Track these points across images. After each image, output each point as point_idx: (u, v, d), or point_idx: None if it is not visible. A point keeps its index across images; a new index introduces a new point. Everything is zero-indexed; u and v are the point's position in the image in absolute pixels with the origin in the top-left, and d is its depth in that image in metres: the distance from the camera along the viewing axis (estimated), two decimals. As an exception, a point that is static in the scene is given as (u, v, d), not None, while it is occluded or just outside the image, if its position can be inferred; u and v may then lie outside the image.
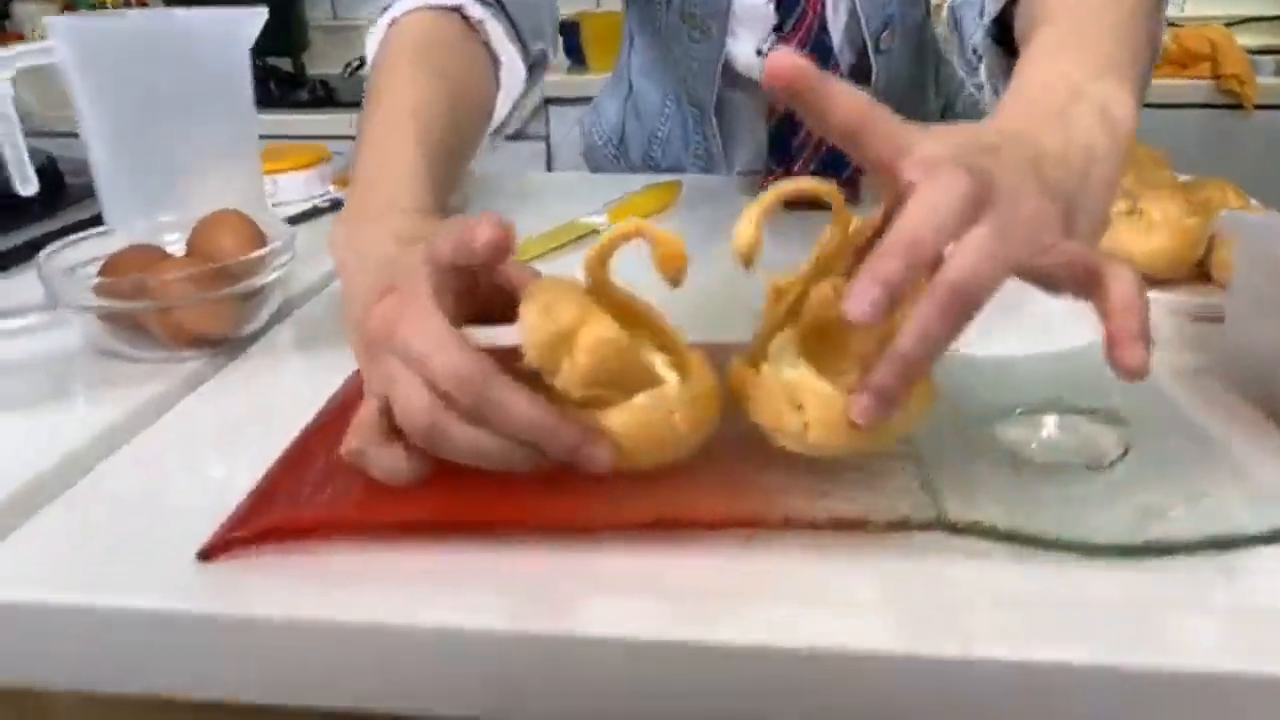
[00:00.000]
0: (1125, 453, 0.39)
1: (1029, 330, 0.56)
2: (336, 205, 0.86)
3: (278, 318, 0.59)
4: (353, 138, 1.54)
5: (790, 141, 0.79)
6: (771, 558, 0.35)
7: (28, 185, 0.63)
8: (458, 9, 0.62)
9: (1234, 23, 1.96)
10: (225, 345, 0.55)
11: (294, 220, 0.82)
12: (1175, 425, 0.41)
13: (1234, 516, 0.34)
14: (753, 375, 0.37)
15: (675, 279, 0.36)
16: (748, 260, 0.36)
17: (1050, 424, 0.42)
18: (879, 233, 0.37)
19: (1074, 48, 0.41)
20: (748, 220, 0.35)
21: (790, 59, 0.32)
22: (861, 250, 0.37)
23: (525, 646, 0.33)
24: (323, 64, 2.18)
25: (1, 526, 0.39)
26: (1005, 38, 0.56)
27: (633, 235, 0.36)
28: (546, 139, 1.82)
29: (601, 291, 0.37)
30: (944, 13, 0.65)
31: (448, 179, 0.51)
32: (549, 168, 1.84)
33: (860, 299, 0.30)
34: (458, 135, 0.56)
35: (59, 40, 0.61)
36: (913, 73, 0.87)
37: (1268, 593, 0.33)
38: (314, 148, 0.96)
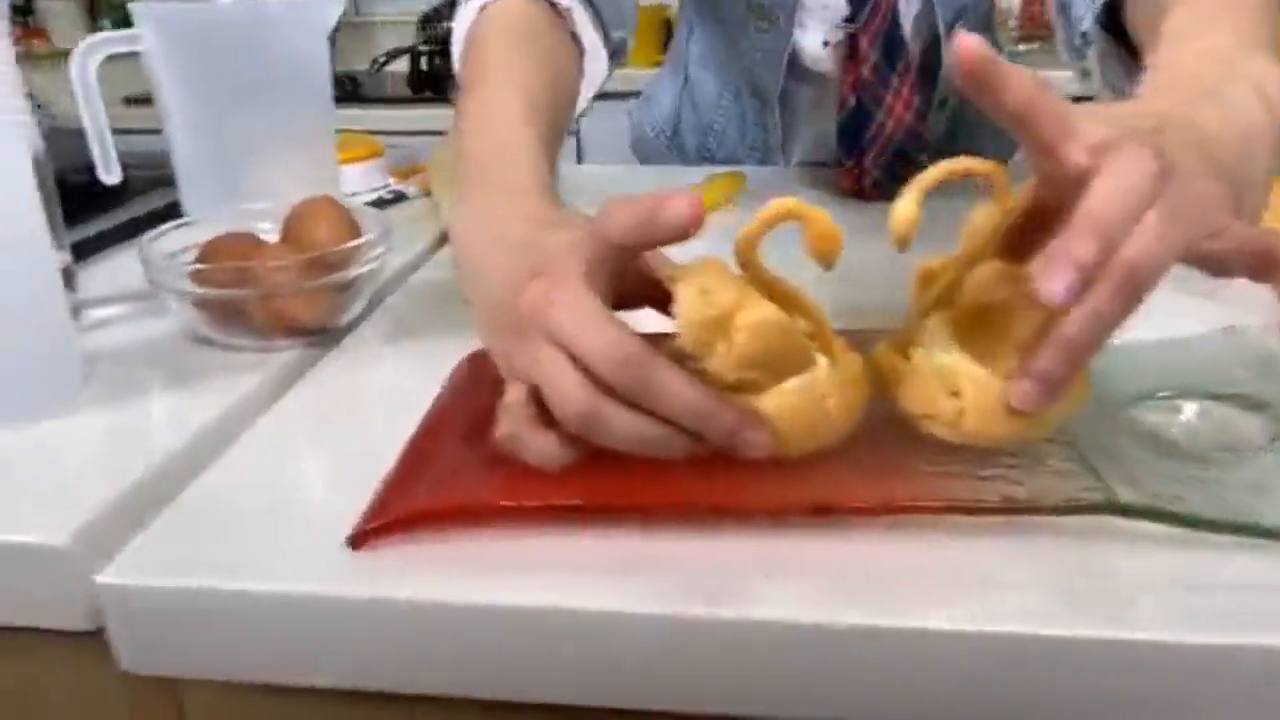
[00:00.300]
0: (1274, 440, 0.39)
1: (1156, 318, 0.55)
2: (399, 198, 0.85)
3: (369, 308, 0.59)
4: (380, 133, 1.53)
5: (861, 134, 0.78)
6: (920, 542, 0.34)
7: (112, 174, 0.62)
8: None
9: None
10: (321, 335, 0.55)
11: (361, 211, 0.81)
12: (1319, 410, 0.40)
13: None
14: (903, 361, 0.37)
15: (828, 261, 0.36)
16: (904, 240, 0.35)
17: (1189, 410, 0.42)
18: (1031, 216, 0.37)
19: (1219, 26, 0.40)
20: (908, 198, 0.34)
21: (977, 42, 0.32)
22: (1011, 234, 0.36)
23: (685, 630, 0.32)
24: (349, 60, 2.17)
25: (131, 517, 0.38)
26: (1112, 24, 0.55)
27: (786, 216, 0.35)
28: (576, 132, 1.82)
29: (752, 273, 0.36)
30: None
31: (555, 161, 0.51)
32: (579, 161, 1.83)
33: (1054, 281, 0.30)
34: (559, 117, 0.56)
35: (146, 28, 0.61)
36: None
37: None
38: (369, 141, 0.95)
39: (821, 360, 0.37)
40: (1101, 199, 0.31)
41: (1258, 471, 0.36)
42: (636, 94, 1.80)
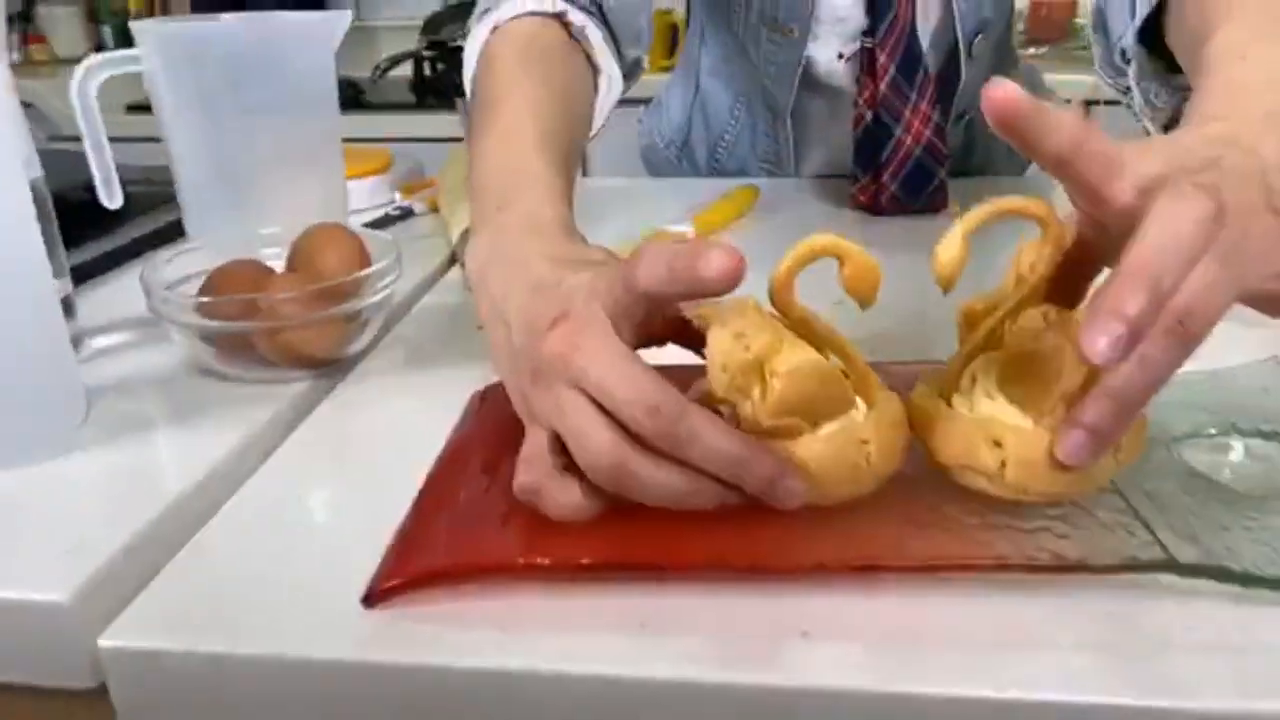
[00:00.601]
0: (1330, 481, 0.37)
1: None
2: (407, 214, 0.84)
3: (378, 336, 0.57)
4: (383, 140, 1.52)
5: (880, 150, 0.76)
6: (959, 599, 0.33)
7: (114, 199, 0.61)
8: (559, 15, 0.60)
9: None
10: (330, 366, 0.53)
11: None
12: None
13: None
14: (941, 407, 0.35)
15: (866, 300, 0.34)
16: (949, 283, 0.34)
17: (1239, 448, 0.40)
18: (1074, 256, 0.35)
19: (1274, 42, 0.39)
20: (954, 239, 0.33)
21: (1007, 90, 0.30)
22: (1056, 276, 0.35)
23: (714, 697, 0.31)
24: (350, 66, 2.15)
25: (137, 566, 0.37)
26: (1153, 40, 0.53)
27: (823, 253, 0.34)
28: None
29: (787, 313, 0.35)
30: (1088, 14, 0.62)
31: (570, 189, 0.49)
32: (584, 168, 1.82)
33: (1098, 338, 0.28)
34: (574, 145, 0.54)
35: (147, 48, 0.59)
36: (991, 76, 0.85)
37: None
38: (378, 152, 0.94)
39: (861, 403, 0.35)
40: (1151, 247, 0.29)
41: (1314, 519, 0.35)
42: (644, 101, 1.78)
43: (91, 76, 0.58)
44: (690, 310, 0.36)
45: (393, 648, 0.32)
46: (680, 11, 1.83)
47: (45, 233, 0.46)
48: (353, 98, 1.94)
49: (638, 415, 0.32)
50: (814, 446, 0.33)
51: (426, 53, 1.97)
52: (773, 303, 0.35)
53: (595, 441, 0.33)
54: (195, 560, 0.37)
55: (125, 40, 2.35)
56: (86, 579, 0.35)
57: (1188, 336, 0.30)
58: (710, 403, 0.35)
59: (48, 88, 1.87)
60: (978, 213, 0.33)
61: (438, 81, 1.95)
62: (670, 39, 1.82)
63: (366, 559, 0.35)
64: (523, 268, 0.40)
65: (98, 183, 0.60)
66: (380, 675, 0.32)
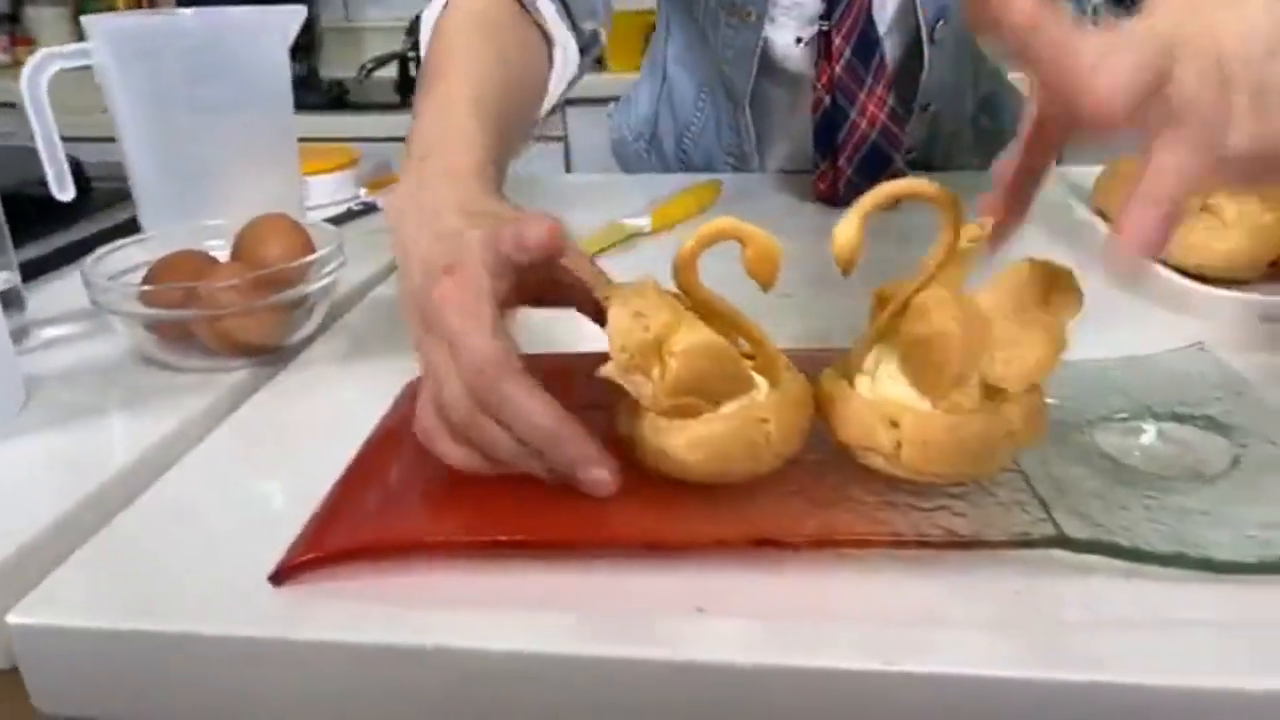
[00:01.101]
0: (1235, 463, 0.37)
1: (1122, 334, 0.54)
2: (369, 209, 0.84)
3: (323, 326, 0.58)
4: (368, 140, 1.54)
5: (835, 133, 0.77)
6: (859, 576, 0.33)
7: (65, 191, 0.61)
8: None
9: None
10: (272, 354, 0.54)
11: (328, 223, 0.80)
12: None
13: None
14: (843, 388, 0.36)
15: (767, 282, 0.35)
16: (847, 265, 0.34)
17: (1151, 431, 0.40)
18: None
19: None
20: (849, 221, 0.33)
21: None
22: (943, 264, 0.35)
23: (611, 671, 0.31)
24: (336, 66, 2.17)
25: (58, 548, 0.37)
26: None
27: (723, 235, 0.34)
28: (564, 139, 1.81)
29: (690, 292, 0.35)
30: None
31: (505, 151, 0.50)
32: (567, 169, 1.82)
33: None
34: (514, 111, 0.55)
35: (98, 42, 0.60)
36: (958, 69, 0.85)
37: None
38: (343, 149, 0.94)
39: (762, 383, 0.36)
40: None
41: (1213, 498, 0.35)
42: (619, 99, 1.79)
43: (40, 70, 0.59)
44: (598, 290, 0.37)
45: (298, 624, 0.33)
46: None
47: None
48: (338, 98, 1.94)
49: (466, 374, 0.34)
50: (713, 425, 0.34)
51: (412, 53, 1.98)
52: (677, 283, 0.35)
53: (449, 392, 0.34)
54: (112, 542, 0.38)
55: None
56: (3, 559, 0.36)
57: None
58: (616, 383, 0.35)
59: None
60: (874, 195, 0.33)
61: (422, 82, 1.96)
62: (646, 39, 1.82)
63: (285, 540, 0.36)
64: (433, 214, 0.40)
65: (49, 176, 0.61)
66: (285, 650, 0.32)
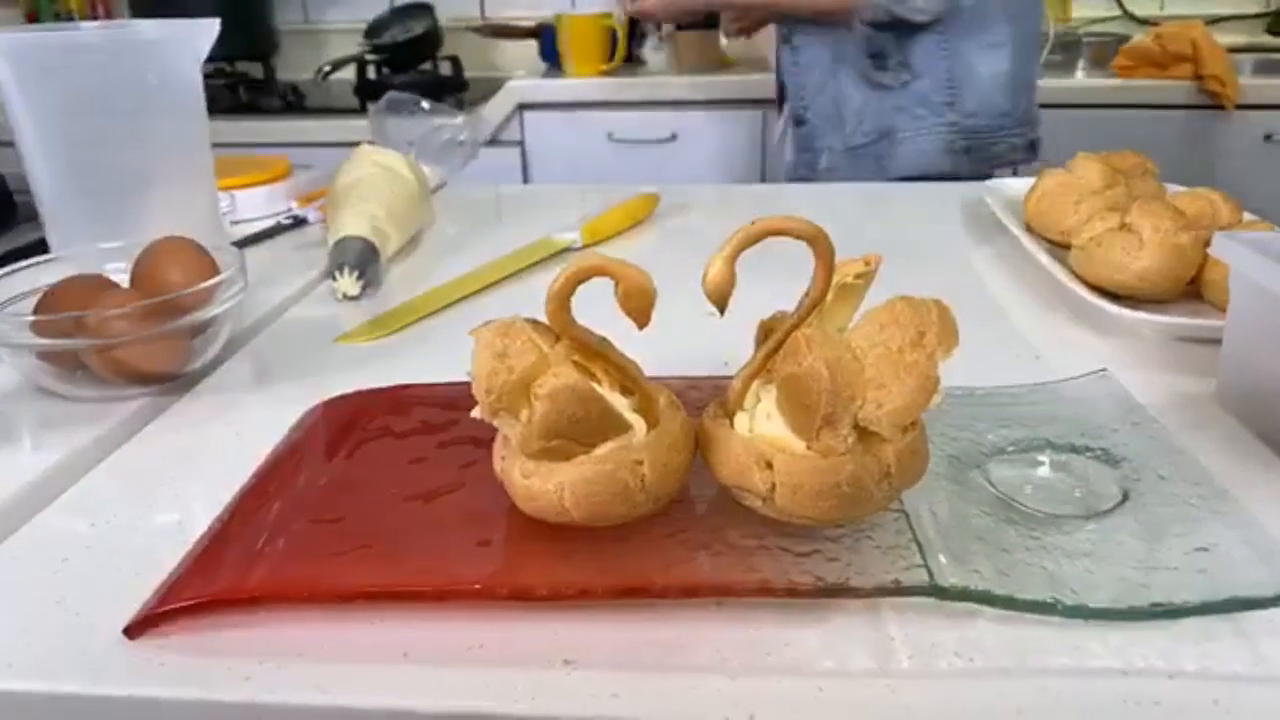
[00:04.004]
0: (1124, 498, 0.37)
1: (1035, 352, 0.54)
2: (299, 223, 0.83)
3: (229, 350, 0.56)
4: (325, 145, 1.52)
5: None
6: (735, 624, 0.32)
7: (-36, 211, 0.59)
8: None
9: (1212, 21, 1.95)
10: (172, 382, 0.52)
11: (252, 240, 0.79)
12: (1175, 465, 0.38)
13: (1245, 575, 0.32)
14: (721, 426, 0.35)
15: (640, 319, 0.34)
16: (720, 302, 0.33)
17: (1045, 464, 0.40)
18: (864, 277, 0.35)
19: None
20: (719, 261, 0.32)
21: None
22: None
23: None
24: (294, 68, 2.14)
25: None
26: None
27: (594, 273, 0.33)
28: (522, 144, 1.79)
29: (563, 331, 0.34)
30: None
31: None
32: (524, 174, 1.81)
33: None
34: None
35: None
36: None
37: (1282, 656, 0.31)
38: (276, 160, 0.92)
39: (639, 423, 0.35)
40: None
41: (1098, 536, 0.34)
42: (582, 105, 1.78)
43: (-66, 87, 0.57)
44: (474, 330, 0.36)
45: (157, 680, 0.31)
46: (618, 17, 1.83)
47: None
48: (295, 103, 1.91)
49: None
50: (584, 468, 0.33)
51: (370, 56, 1.96)
52: (550, 321, 0.34)
53: None
54: (-30, 589, 0.36)
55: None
56: None
57: None
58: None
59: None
60: (744, 234, 0.32)
61: (379, 85, 1.93)
62: (609, 43, 1.81)
63: (152, 587, 0.34)
64: None
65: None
66: (127, 708, 0.31)
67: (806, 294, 0.34)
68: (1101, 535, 0.35)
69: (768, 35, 1.47)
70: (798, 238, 0.32)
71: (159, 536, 0.40)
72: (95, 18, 2.25)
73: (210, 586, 0.33)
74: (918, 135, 1.16)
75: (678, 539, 0.34)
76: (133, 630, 0.33)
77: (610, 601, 0.32)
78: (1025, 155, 1.18)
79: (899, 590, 0.31)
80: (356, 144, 1.56)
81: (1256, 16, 2.00)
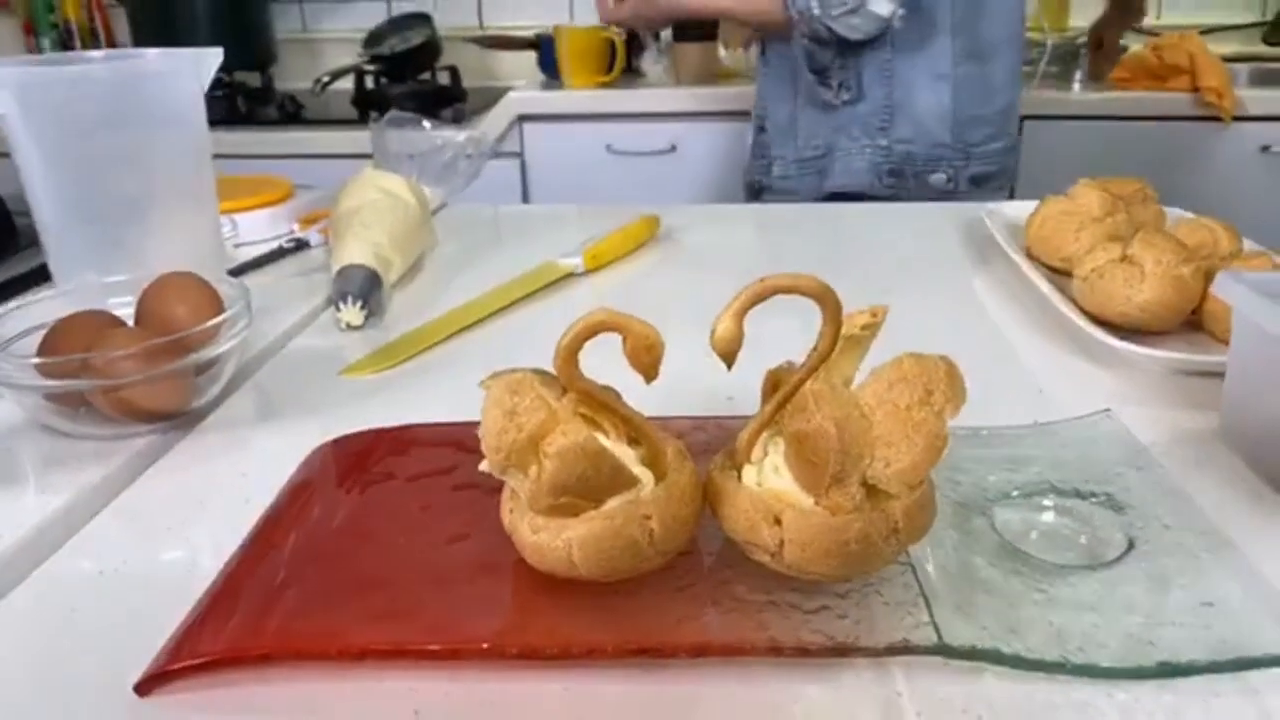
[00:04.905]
0: (1130, 546, 0.37)
1: (1038, 387, 0.54)
2: (301, 246, 0.83)
3: (233, 384, 0.56)
4: (323, 156, 1.53)
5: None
6: (741, 682, 0.32)
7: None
8: None
9: (1208, 30, 1.96)
10: (177, 419, 0.52)
11: (254, 264, 0.79)
12: (1179, 513, 0.38)
13: (1251, 630, 0.32)
14: (730, 480, 0.35)
15: (648, 374, 0.34)
16: (728, 359, 0.33)
17: (1050, 509, 0.40)
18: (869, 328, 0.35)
19: None
20: (727, 317, 0.32)
21: None
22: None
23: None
24: (292, 78, 2.14)
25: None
26: None
27: (603, 328, 0.33)
28: (521, 156, 1.79)
29: (570, 385, 0.34)
30: None
31: None
32: (523, 185, 1.81)
33: None
34: None
35: (4, 92, 0.58)
36: None
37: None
38: (278, 182, 0.92)
39: (647, 477, 0.35)
40: None
41: (1103, 588, 0.35)
42: (580, 116, 1.78)
43: (-62, 122, 0.57)
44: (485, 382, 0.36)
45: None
46: (615, 29, 1.83)
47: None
48: (293, 114, 1.91)
49: None
50: (593, 523, 0.33)
51: (368, 66, 1.95)
52: (559, 376, 0.34)
53: None
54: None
55: (65, 51, 2.29)
56: None
57: None
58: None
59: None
60: (751, 292, 0.32)
61: (378, 95, 1.93)
62: (608, 56, 1.81)
63: (164, 636, 0.34)
64: None
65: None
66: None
67: (814, 348, 0.34)
68: (1107, 588, 0.35)
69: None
70: (805, 295, 0.33)
71: (168, 581, 0.40)
72: (93, 28, 2.25)
73: (220, 643, 0.33)
74: (850, 155, 1.20)
75: (686, 594, 0.34)
76: (142, 688, 0.33)
77: (618, 660, 0.33)
78: (967, 188, 1.19)
79: (907, 649, 0.31)
80: (354, 156, 1.56)
81: (1253, 26, 2.00)
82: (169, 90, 0.63)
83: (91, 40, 2.26)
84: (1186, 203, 0.80)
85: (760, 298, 0.32)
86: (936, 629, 0.32)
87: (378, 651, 0.33)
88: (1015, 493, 0.40)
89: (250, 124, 1.88)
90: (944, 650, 0.31)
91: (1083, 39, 1.79)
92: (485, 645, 0.33)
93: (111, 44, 2.27)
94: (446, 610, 0.34)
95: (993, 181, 1.20)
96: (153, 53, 0.65)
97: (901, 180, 1.19)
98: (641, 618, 0.33)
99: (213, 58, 0.65)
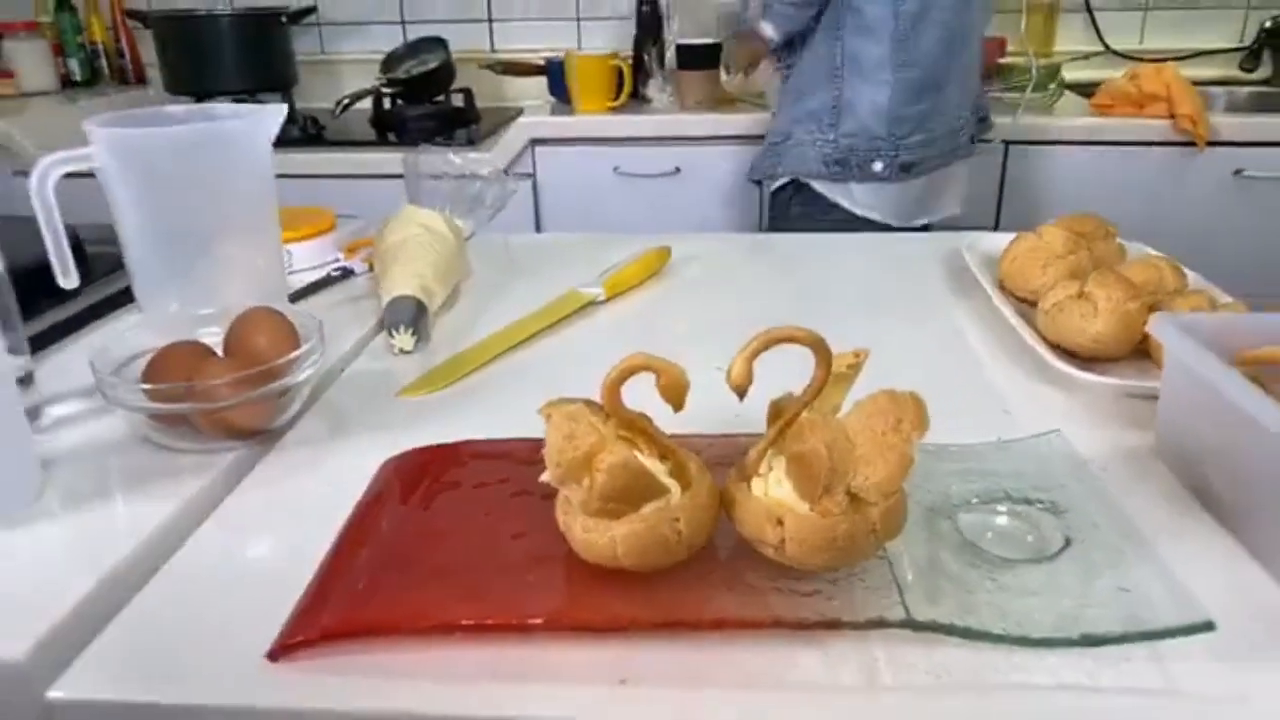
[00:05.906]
0: (1067, 544, 0.45)
1: (1002, 406, 0.62)
2: (347, 274, 0.91)
3: (306, 404, 0.65)
4: (344, 177, 1.62)
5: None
6: (753, 650, 0.41)
7: (70, 280, 0.68)
8: None
9: (1190, 55, 2.05)
10: (262, 435, 0.60)
11: (309, 290, 0.87)
12: (1108, 517, 0.47)
13: (1157, 610, 0.40)
14: (741, 490, 0.43)
15: (677, 405, 0.42)
16: (741, 394, 0.42)
17: (1004, 513, 0.48)
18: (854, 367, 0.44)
19: None
20: (740, 362, 0.41)
21: None
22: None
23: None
24: (312, 99, 2.22)
25: (80, 627, 0.44)
26: None
27: (642, 369, 0.42)
28: (533, 177, 1.88)
29: (614, 414, 0.43)
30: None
31: None
32: (535, 204, 1.89)
33: None
34: None
35: (100, 147, 0.66)
36: None
37: (1189, 676, 0.39)
38: (322, 213, 1.01)
39: (675, 488, 0.43)
40: None
41: (1045, 578, 0.43)
42: (590, 140, 1.87)
43: (48, 173, 0.65)
44: (544, 408, 0.44)
45: (298, 694, 0.40)
46: (625, 55, 1.92)
47: (2, 309, 0.52)
48: (315, 135, 2.00)
49: None
50: (633, 524, 0.41)
51: (385, 89, 2.04)
52: (605, 405, 0.43)
53: None
54: (136, 619, 0.45)
55: (92, 73, 2.35)
56: (37, 639, 0.42)
57: None
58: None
59: (15, 124, 1.93)
60: (759, 341, 0.41)
61: (395, 117, 2.02)
62: (617, 82, 1.90)
63: (284, 614, 0.43)
64: None
65: (55, 268, 0.67)
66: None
67: (809, 385, 0.42)
68: (1047, 577, 0.43)
69: (764, 73, 1.58)
70: (804, 345, 0.41)
71: (276, 574, 0.48)
72: (119, 48, 2.33)
73: (333, 620, 0.42)
74: (802, 145, 1.47)
75: (707, 580, 0.43)
76: (274, 655, 0.41)
77: (654, 631, 0.41)
78: (898, 175, 1.43)
79: (883, 624, 0.40)
80: (374, 177, 1.66)
81: (1233, 50, 2.09)
82: (243, 146, 0.72)
83: (118, 59, 2.34)
84: (1164, 224, 0.88)
85: (766, 346, 0.41)
86: (906, 608, 0.40)
87: (460, 626, 0.41)
88: (975, 500, 0.49)
89: (275, 145, 1.95)
90: (912, 624, 0.40)
91: (1067, 62, 1.88)
92: (544, 619, 0.41)
93: (137, 66, 2.35)
94: (512, 593, 0.43)
95: (916, 169, 1.44)
96: (226, 108, 0.73)
97: (846, 169, 1.44)
98: (672, 598, 0.42)
99: (278, 113, 0.74)
